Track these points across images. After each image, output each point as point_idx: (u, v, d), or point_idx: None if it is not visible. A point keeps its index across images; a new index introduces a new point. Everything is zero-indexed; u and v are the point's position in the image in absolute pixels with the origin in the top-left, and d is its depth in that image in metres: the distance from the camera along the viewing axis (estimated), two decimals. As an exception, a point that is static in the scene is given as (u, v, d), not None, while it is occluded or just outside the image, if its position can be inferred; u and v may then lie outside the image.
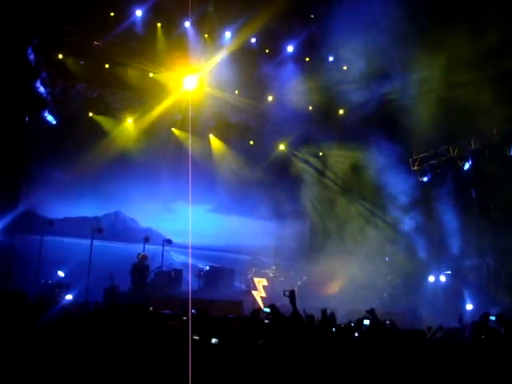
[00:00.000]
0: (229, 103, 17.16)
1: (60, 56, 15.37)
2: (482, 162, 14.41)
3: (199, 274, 15.70)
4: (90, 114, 16.67)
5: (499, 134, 13.97)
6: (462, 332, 6.26)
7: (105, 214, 17.10)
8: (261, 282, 15.71)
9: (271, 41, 16.53)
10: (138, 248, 14.55)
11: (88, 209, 16.56)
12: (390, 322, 6.77)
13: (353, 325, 6.56)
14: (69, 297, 11.14)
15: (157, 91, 16.06)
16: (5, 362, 3.34)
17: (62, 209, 15.80)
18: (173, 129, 17.54)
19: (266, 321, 6.33)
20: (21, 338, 3.52)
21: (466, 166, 14.98)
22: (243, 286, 16.23)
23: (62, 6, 13.92)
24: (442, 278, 14.97)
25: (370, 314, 6.53)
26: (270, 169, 18.47)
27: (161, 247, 14.80)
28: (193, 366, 3.28)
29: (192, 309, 5.78)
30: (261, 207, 17.61)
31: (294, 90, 17.13)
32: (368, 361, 4.53)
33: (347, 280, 15.27)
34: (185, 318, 5.32)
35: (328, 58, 16.56)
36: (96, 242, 14.00)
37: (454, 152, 15.39)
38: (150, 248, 14.77)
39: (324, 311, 5.99)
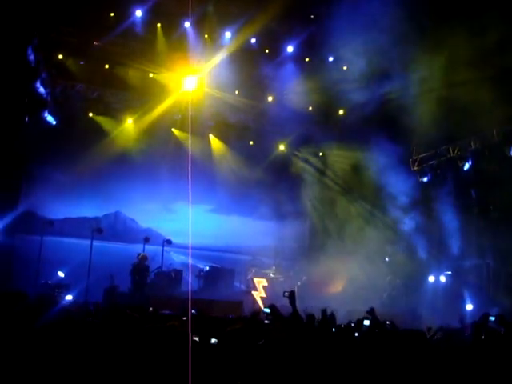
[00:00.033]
0: (229, 103, 17.16)
1: (60, 56, 15.36)
2: (481, 162, 14.40)
3: (199, 274, 15.70)
4: (90, 115, 16.66)
5: (499, 134, 13.96)
6: (462, 332, 6.26)
7: (105, 215, 17.09)
8: (261, 283, 15.71)
9: (271, 41, 16.53)
10: (137, 248, 14.55)
11: (88, 209, 16.55)
12: (390, 323, 6.78)
13: (353, 325, 6.57)
14: (69, 297, 11.14)
15: (157, 91, 16.05)
16: (5, 362, 3.34)
17: (62, 209, 15.80)
18: (173, 129, 17.53)
19: (266, 321, 6.33)
20: (21, 338, 3.52)
21: (466, 167, 14.97)
22: (243, 287, 16.23)
23: (62, 6, 13.92)
24: (442, 279, 14.96)
25: (370, 313, 6.53)
26: (270, 169, 18.46)
27: (161, 247, 14.80)
28: (193, 366, 3.27)
29: (192, 309, 5.78)
30: (261, 207, 17.60)
31: (293, 90, 17.13)
32: (368, 361, 4.53)
33: (347, 280, 15.26)
34: (185, 319, 5.32)
35: (328, 58, 16.56)
36: (96, 243, 14.00)
37: (453, 152, 15.38)
38: (150, 248, 14.77)
39: (324, 311, 6.00)
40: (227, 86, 16.46)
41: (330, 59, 16.54)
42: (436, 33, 12.97)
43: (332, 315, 6.44)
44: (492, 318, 6.17)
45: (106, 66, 15.86)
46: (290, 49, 16.57)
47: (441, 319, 9.21)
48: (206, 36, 15.91)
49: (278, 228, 17.94)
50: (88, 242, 13.83)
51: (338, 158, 18.28)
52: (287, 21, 15.81)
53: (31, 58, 13.55)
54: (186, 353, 3.36)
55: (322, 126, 17.37)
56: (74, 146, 15.32)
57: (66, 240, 15.27)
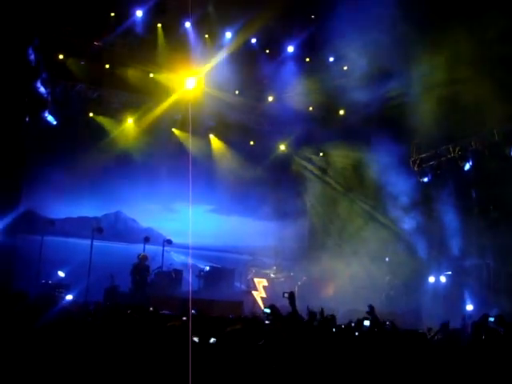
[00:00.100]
0: (229, 103, 17.15)
1: (60, 56, 15.33)
2: (482, 162, 14.39)
3: (199, 274, 15.70)
4: (91, 115, 16.65)
5: (500, 134, 13.95)
6: (462, 333, 6.26)
7: (105, 214, 17.08)
8: (261, 283, 15.72)
9: (271, 41, 16.55)
10: (138, 248, 14.56)
11: (88, 209, 16.54)
12: (390, 323, 6.77)
13: (353, 325, 6.57)
14: (69, 297, 11.14)
15: (157, 91, 16.05)
16: (5, 362, 3.34)
17: (62, 209, 15.80)
18: (173, 129, 17.53)
19: (267, 321, 6.34)
20: (21, 338, 3.52)
21: (467, 167, 14.95)
22: (243, 287, 16.23)
23: (63, 6, 13.93)
24: (443, 279, 14.94)
25: (369, 311, 6.52)
26: (271, 169, 18.46)
27: (161, 247, 14.80)
28: (193, 366, 3.28)
29: (192, 309, 5.79)
30: (261, 207, 17.61)
31: (294, 90, 17.11)
32: (368, 361, 4.53)
33: (347, 280, 15.26)
34: (185, 319, 5.32)
35: (328, 58, 16.56)
36: (96, 242, 14.02)
37: (454, 152, 15.36)
38: (151, 248, 14.78)
39: (321, 311, 6.01)
40: (228, 86, 16.48)
41: (331, 59, 16.54)
42: (436, 32, 12.96)
43: (332, 317, 6.44)
44: (491, 319, 6.17)
45: (107, 66, 15.85)
46: (290, 49, 16.58)
47: (441, 319, 9.20)
48: (207, 36, 15.92)
49: (279, 228, 17.94)
50: (88, 241, 13.85)
51: (339, 158, 18.27)
52: (287, 21, 15.81)
53: (32, 57, 13.54)
54: (186, 353, 3.36)
55: (322, 126, 17.34)
56: (75, 146, 15.35)
57: (67, 240, 15.26)
